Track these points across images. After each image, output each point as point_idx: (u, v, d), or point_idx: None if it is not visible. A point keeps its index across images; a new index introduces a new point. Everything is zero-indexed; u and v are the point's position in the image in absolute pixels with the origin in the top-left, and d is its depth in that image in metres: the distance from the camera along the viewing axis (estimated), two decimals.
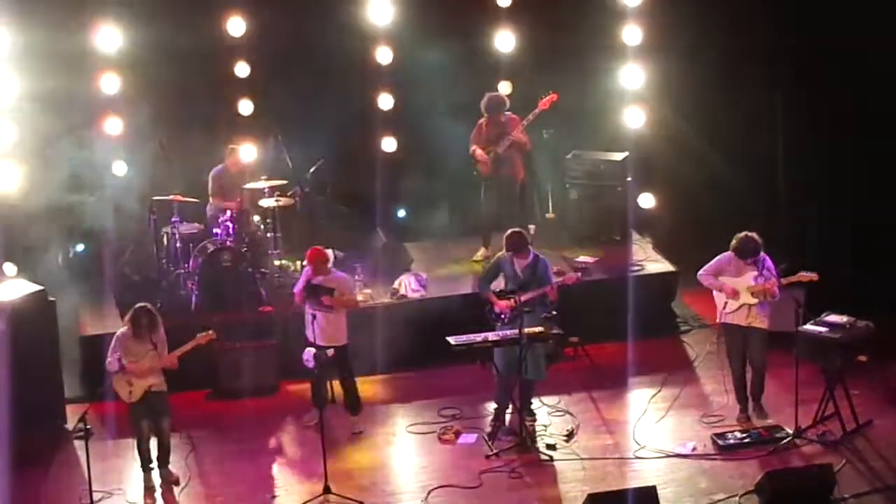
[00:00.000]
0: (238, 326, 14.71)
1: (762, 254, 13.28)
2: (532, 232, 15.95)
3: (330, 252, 14.71)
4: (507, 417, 13.69)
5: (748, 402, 13.64)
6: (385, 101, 16.93)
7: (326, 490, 12.53)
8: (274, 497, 12.76)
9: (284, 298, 14.90)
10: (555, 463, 13.07)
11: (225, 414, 14.28)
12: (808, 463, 12.68)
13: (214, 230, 15.54)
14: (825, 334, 13.29)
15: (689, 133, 16.93)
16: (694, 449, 13.17)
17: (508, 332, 13.29)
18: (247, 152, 16.14)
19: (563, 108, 16.13)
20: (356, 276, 15.37)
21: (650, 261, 16.32)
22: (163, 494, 12.87)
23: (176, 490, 12.89)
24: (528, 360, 13.27)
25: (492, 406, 13.85)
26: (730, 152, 16.88)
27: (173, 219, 15.63)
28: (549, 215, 17.49)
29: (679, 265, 16.03)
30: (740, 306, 13.35)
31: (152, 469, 12.99)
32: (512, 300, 13.36)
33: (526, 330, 13.13)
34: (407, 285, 15.54)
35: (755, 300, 13.28)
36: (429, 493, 12.62)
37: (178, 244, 15.58)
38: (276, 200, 15.61)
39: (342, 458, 13.30)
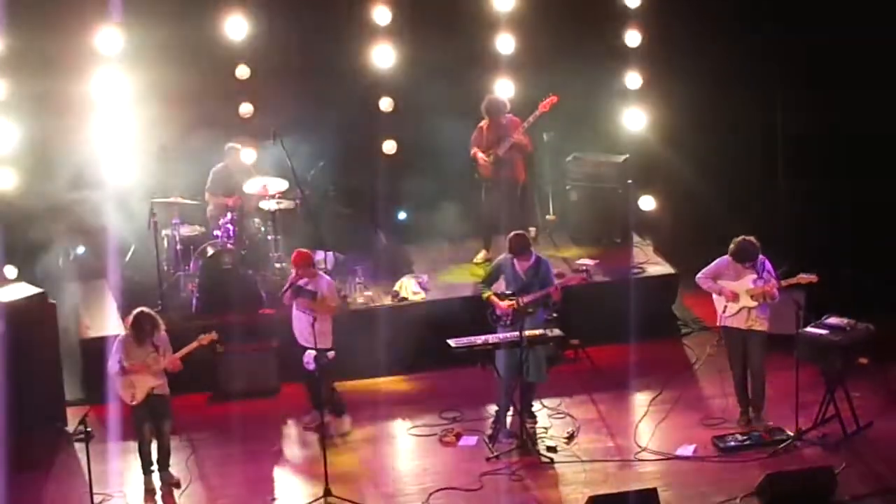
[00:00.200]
0: (238, 329, 14.69)
1: (761, 257, 13.27)
2: (533, 234, 15.96)
3: (321, 254, 14.72)
4: (508, 420, 13.68)
5: (749, 406, 13.64)
6: (385, 103, 16.91)
7: (327, 492, 12.53)
8: (274, 499, 12.78)
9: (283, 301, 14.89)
10: (555, 465, 13.08)
11: (225, 416, 14.25)
12: (809, 465, 12.68)
13: (215, 232, 15.53)
14: (826, 336, 13.30)
15: (689, 134, 16.92)
16: (695, 451, 13.17)
17: (509, 335, 13.30)
18: (247, 153, 16.13)
19: (564, 110, 16.10)
20: (357, 279, 15.37)
21: (651, 263, 16.29)
22: (163, 497, 12.88)
23: (176, 493, 12.90)
24: (529, 362, 13.27)
25: (493, 408, 13.86)
26: (730, 153, 16.87)
27: (174, 221, 15.63)
28: (550, 217, 17.44)
29: (679, 267, 15.99)
30: (740, 309, 13.34)
31: (153, 472, 13.00)
32: (514, 302, 13.37)
33: (526, 332, 13.13)
34: (408, 287, 15.54)
35: (755, 303, 13.27)
36: (430, 495, 12.63)
37: (178, 246, 15.57)
38: (277, 203, 15.60)
39: (343, 460, 13.30)
